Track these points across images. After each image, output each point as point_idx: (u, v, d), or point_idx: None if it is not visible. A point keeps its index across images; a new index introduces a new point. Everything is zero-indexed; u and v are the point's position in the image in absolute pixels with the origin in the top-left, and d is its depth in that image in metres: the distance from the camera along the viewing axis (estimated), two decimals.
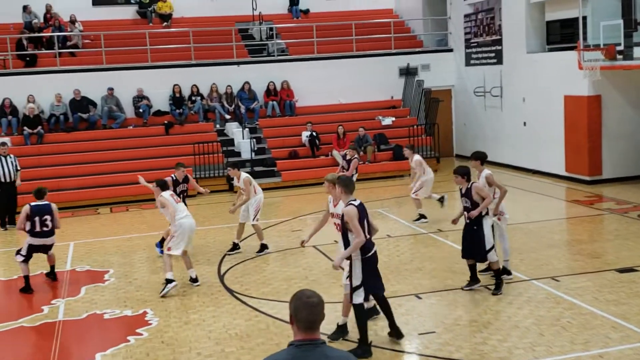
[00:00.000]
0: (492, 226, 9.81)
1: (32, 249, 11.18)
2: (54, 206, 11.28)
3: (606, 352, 7.80)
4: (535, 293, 9.82)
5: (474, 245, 9.73)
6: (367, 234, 8.02)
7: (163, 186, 11.12)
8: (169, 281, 10.55)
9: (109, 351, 8.53)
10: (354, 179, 13.97)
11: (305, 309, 3.79)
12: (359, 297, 8.00)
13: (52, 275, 11.60)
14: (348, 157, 15.21)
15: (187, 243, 10.87)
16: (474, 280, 10.01)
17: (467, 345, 8.14)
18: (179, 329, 9.11)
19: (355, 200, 8.08)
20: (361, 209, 8.01)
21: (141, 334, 9.00)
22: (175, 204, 10.92)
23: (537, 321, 8.76)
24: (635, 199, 15.84)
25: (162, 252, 12.25)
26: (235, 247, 12.79)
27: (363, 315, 8.10)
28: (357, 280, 8.00)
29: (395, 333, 8.33)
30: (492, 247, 9.65)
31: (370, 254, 8.05)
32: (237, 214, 12.86)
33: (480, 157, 10.47)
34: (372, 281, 8.10)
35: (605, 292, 9.70)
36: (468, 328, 8.68)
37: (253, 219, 12.53)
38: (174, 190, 12.38)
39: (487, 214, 9.68)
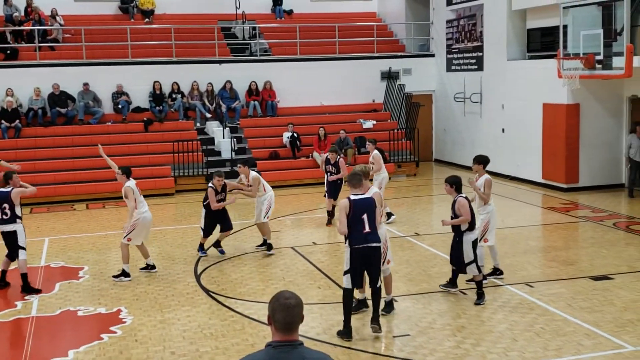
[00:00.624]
0: (474, 241, 9.76)
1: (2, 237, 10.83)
2: (14, 192, 10.53)
3: (578, 358, 7.88)
4: (510, 298, 9.90)
5: (453, 256, 9.80)
6: (364, 228, 8.29)
7: (128, 173, 11.10)
8: (125, 274, 11.05)
9: (82, 348, 8.47)
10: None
11: (282, 311, 3.79)
12: (346, 282, 8.50)
13: (26, 287, 10.58)
14: (333, 162, 14.74)
15: (145, 235, 11.34)
16: (452, 283, 10.08)
17: (441, 349, 8.19)
18: (153, 328, 9.07)
19: (358, 195, 8.44)
20: (356, 203, 8.34)
21: (115, 332, 8.95)
22: (140, 195, 11.04)
23: (510, 326, 8.83)
24: (611, 207, 16.02)
25: (221, 251, 12.53)
26: (265, 243, 12.75)
27: (346, 300, 8.55)
28: (345, 265, 8.53)
29: (376, 324, 8.53)
30: (472, 262, 9.61)
31: (355, 246, 8.33)
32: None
33: (483, 161, 10.67)
34: (354, 273, 8.42)
35: (578, 299, 9.80)
36: (442, 331, 8.72)
37: (264, 217, 12.57)
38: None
39: (468, 229, 9.63)
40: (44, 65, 20.90)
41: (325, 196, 15.12)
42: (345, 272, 8.48)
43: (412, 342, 8.44)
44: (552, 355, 7.96)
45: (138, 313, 9.62)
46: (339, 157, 14.95)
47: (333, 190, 14.78)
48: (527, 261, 11.77)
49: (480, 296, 9.68)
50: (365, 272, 8.53)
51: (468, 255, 9.59)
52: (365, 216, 8.29)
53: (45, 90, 20.38)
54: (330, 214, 14.92)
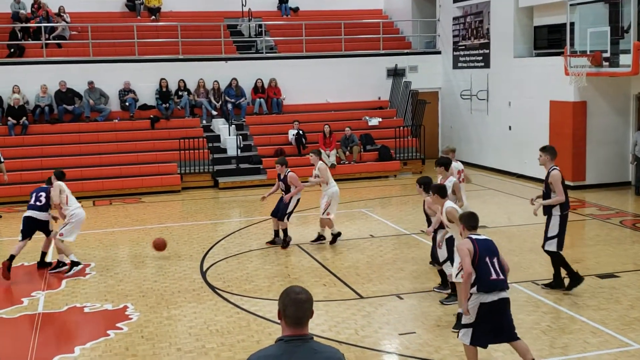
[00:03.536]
0: (449, 239, 9.71)
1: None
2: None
3: (584, 356, 7.87)
4: (516, 296, 9.85)
5: (434, 253, 9.91)
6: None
7: (60, 177, 11.65)
8: (74, 263, 11.39)
9: (88, 345, 8.49)
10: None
11: (293, 305, 3.85)
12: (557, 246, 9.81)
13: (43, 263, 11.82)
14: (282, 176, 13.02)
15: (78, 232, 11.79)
16: (444, 285, 10.02)
17: (447, 347, 8.18)
18: (159, 324, 9.09)
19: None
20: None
21: (121, 329, 8.97)
22: (70, 193, 11.56)
23: (517, 324, 8.73)
24: (617, 205, 15.97)
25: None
26: (331, 237, 12.98)
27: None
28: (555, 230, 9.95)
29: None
30: (447, 259, 9.48)
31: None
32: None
33: (445, 164, 10.49)
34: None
35: (585, 297, 9.78)
36: (448, 329, 8.70)
37: (323, 213, 12.76)
38: None
39: (443, 227, 9.63)
40: (50, 62, 20.95)
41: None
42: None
43: (417, 339, 8.44)
44: (559, 353, 7.95)
45: (144, 309, 9.64)
46: (287, 170, 12.74)
47: (277, 207, 12.79)
48: (533, 259, 11.76)
49: (449, 295, 9.57)
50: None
51: (442, 254, 9.53)
52: None
53: (52, 88, 20.43)
54: (276, 234, 12.94)
